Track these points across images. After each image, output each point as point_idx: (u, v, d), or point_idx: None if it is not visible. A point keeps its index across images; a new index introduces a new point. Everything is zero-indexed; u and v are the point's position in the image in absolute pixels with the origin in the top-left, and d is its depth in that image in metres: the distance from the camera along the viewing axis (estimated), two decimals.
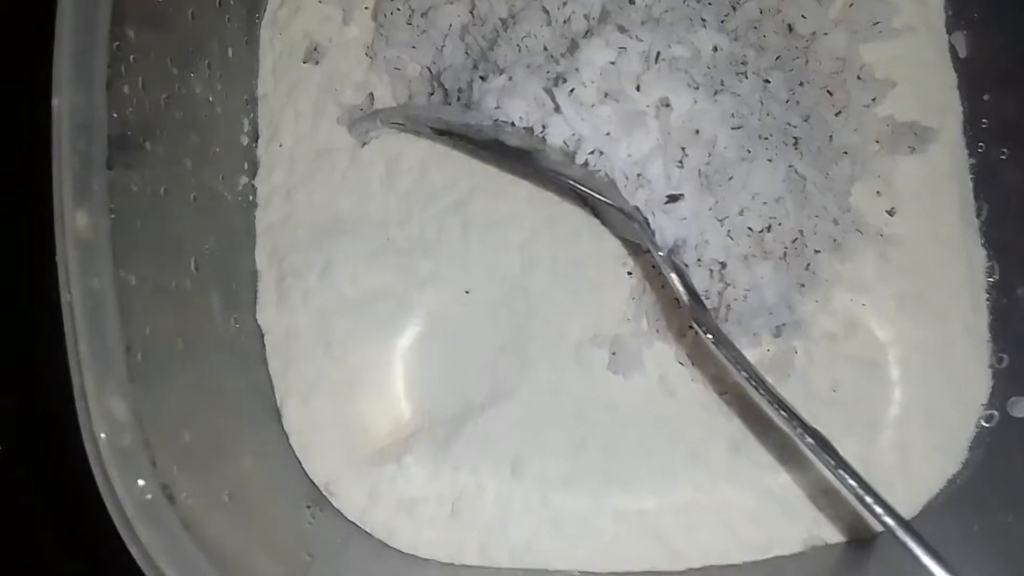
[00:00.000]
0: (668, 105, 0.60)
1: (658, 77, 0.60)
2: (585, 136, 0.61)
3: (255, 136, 0.78)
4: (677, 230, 0.62)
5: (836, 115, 0.78)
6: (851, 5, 0.80)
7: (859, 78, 0.79)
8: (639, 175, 0.61)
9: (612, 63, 0.62)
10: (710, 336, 0.60)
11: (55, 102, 0.51)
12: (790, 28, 0.79)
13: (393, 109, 0.74)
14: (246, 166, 0.76)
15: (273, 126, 0.78)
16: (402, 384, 0.73)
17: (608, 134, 0.61)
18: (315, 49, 0.79)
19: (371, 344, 0.73)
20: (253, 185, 0.77)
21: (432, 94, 0.75)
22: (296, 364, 0.72)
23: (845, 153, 0.76)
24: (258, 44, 0.79)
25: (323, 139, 0.78)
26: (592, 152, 0.62)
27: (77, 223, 0.48)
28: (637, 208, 0.61)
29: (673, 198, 0.61)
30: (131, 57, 0.57)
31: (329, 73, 0.79)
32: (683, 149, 0.61)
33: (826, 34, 0.78)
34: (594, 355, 0.73)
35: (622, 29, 0.62)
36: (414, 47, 0.75)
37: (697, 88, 0.61)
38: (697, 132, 0.61)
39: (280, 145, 0.78)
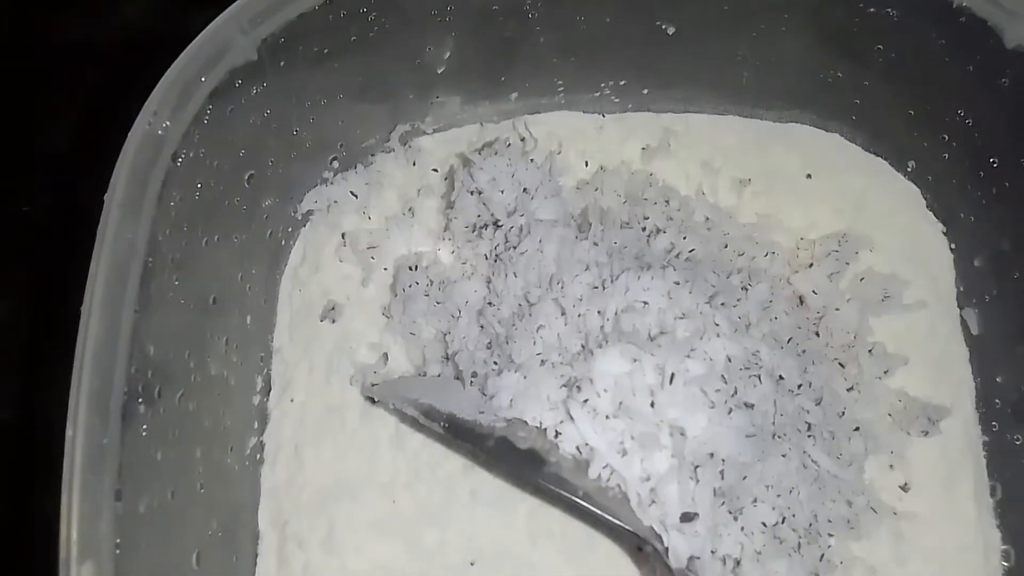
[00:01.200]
0: (683, 433, 0.60)
1: (672, 397, 0.60)
2: (599, 450, 0.61)
3: (267, 391, 0.78)
4: (691, 547, 0.60)
5: (848, 390, 0.78)
6: (862, 280, 0.82)
7: (871, 352, 0.79)
8: (652, 491, 0.60)
9: (627, 374, 0.62)
10: None
11: (69, 432, 0.51)
12: (801, 300, 0.81)
13: (409, 384, 0.74)
14: (256, 425, 0.76)
15: (286, 380, 0.78)
16: None
17: (622, 450, 0.61)
18: (332, 308, 0.79)
19: None
20: (261, 442, 0.76)
21: (447, 359, 0.75)
22: None
23: (857, 429, 0.76)
24: (276, 299, 0.80)
25: (335, 396, 0.78)
26: (605, 467, 0.61)
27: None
28: (651, 528, 0.60)
29: (688, 517, 0.60)
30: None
31: (345, 331, 0.79)
32: (696, 468, 0.60)
33: (837, 309, 0.79)
34: None
35: (636, 342, 0.63)
36: (430, 313, 0.76)
37: (712, 406, 0.61)
38: (711, 455, 0.60)
39: (291, 400, 0.78)
